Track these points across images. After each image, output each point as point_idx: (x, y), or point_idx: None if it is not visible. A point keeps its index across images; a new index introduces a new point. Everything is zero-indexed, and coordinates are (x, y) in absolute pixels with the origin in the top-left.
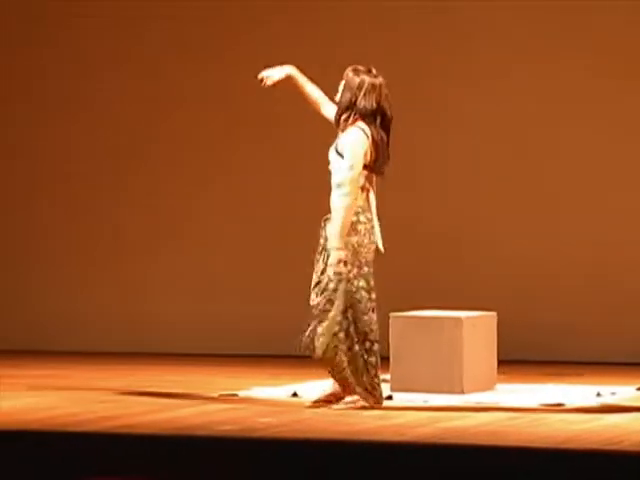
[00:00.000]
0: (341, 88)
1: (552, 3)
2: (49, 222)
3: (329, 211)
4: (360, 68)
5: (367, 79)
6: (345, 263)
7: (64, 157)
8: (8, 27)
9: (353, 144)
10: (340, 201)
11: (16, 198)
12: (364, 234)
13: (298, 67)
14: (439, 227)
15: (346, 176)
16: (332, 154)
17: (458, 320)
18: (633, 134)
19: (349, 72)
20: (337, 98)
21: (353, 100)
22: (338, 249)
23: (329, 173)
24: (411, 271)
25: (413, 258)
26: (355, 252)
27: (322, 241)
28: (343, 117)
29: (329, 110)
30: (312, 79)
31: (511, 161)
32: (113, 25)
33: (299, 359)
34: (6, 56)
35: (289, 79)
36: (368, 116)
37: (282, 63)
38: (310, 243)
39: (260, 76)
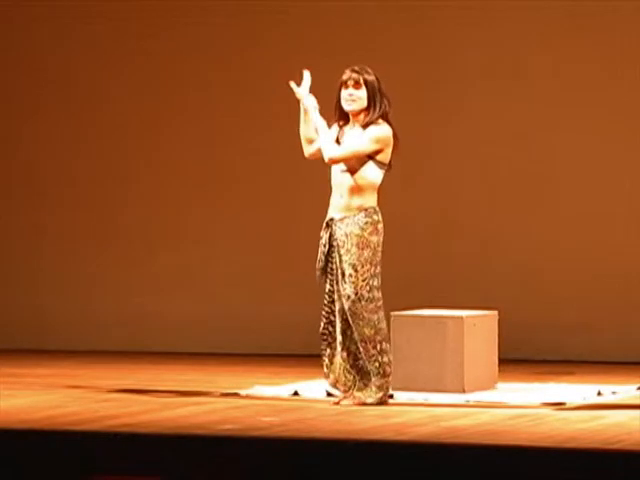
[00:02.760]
0: (356, 99)
1: (557, 3)
2: (51, 223)
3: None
4: (370, 69)
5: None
6: None
7: (67, 158)
8: (11, 26)
9: (386, 135)
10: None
11: (20, 198)
12: (381, 233)
13: (298, 69)
14: (440, 226)
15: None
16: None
17: (459, 319)
18: (635, 135)
19: (368, 75)
20: (353, 98)
21: (379, 102)
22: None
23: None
24: (412, 270)
25: (414, 257)
26: (375, 251)
27: (324, 242)
28: (374, 120)
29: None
30: (315, 78)
31: (513, 160)
32: (119, 26)
33: (300, 358)
34: (9, 55)
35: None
36: (385, 117)
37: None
38: (311, 243)
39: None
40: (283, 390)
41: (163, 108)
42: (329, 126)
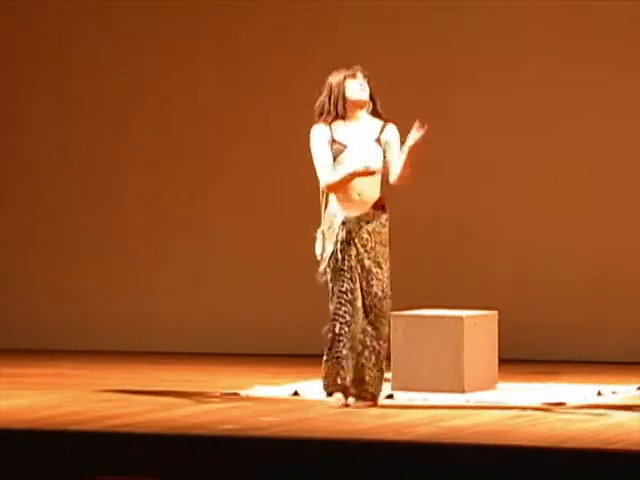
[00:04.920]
0: (365, 90)
1: (555, 3)
2: (50, 223)
3: None
4: None
5: None
6: None
7: (70, 155)
8: (10, 24)
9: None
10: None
11: (18, 199)
12: None
13: (301, 68)
14: (440, 226)
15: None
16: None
17: (459, 319)
18: (636, 136)
19: (366, 75)
20: (363, 88)
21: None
22: None
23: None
24: (412, 270)
25: (414, 257)
26: (389, 248)
27: (340, 239)
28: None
29: None
30: (311, 79)
31: (514, 160)
32: (122, 25)
33: (300, 358)
34: (8, 54)
35: None
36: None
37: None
38: (312, 244)
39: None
40: (283, 390)
41: (162, 110)
42: (317, 122)
